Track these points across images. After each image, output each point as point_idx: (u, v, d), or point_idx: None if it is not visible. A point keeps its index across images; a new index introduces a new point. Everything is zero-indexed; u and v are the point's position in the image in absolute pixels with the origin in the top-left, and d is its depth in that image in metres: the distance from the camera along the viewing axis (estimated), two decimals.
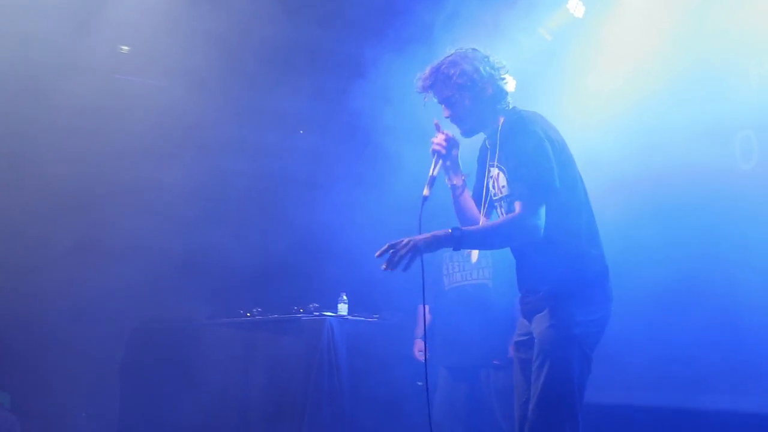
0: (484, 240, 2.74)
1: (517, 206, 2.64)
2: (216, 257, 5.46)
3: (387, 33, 5.00)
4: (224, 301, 5.48)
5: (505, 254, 4.49)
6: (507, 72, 2.86)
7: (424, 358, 4.45)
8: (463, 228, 2.66)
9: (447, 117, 2.85)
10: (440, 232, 2.63)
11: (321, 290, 5.30)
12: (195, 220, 5.46)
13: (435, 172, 2.83)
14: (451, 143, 2.87)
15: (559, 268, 2.72)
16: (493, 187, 2.87)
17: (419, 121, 3.38)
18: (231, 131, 5.57)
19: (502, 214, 2.87)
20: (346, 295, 5.09)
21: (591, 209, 2.83)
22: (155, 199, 5.33)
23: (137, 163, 5.37)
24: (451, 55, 2.83)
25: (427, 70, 2.82)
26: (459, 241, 2.62)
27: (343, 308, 5.06)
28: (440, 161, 2.85)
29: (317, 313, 4.94)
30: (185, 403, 5.06)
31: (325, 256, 5.50)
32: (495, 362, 4.41)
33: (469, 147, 3.06)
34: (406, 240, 2.59)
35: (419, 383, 4.89)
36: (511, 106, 2.87)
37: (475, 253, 4.55)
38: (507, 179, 2.78)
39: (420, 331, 4.79)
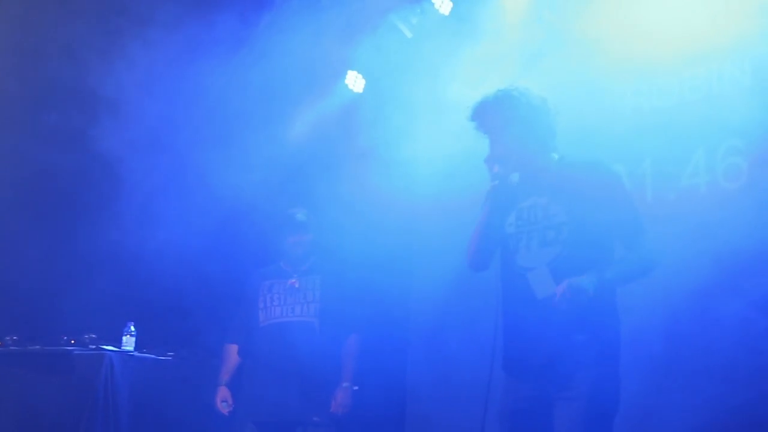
0: (628, 279, 2.86)
1: (635, 243, 2.81)
2: None
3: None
4: None
5: (336, 288, 4.32)
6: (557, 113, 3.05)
7: (227, 409, 4.31)
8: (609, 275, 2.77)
9: (494, 151, 2.98)
10: (593, 277, 2.70)
11: (101, 318, 4.85)
12: None
13: (496, 170, 2.98)
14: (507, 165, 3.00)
15: (604, 319, 2.79)
16: (528, 217, 2.96)
17: None
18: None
19: (537, 243, 2.90)
20: (134, 326, 4.71)
21: None
22: None
23: None
24: (504, 88, 3.00)
25: (479, 101, 2.99)
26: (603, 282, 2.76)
27: (128, 342, 4.68)
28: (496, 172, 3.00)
29: (94, 346, 4.56)
30: None
31: (111, 275, 5.00)
32: (315, 419, 4.21)
33: None
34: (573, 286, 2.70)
35: None
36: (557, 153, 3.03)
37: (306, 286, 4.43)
38: (565, 209, 2.87)
39: (225, 376, 4.47)
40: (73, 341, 4.62)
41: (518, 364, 2.87)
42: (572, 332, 2.72)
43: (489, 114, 2.95)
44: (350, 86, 5.26)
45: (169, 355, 4.88)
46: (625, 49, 4.23)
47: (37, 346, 4.66)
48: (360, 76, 5.25)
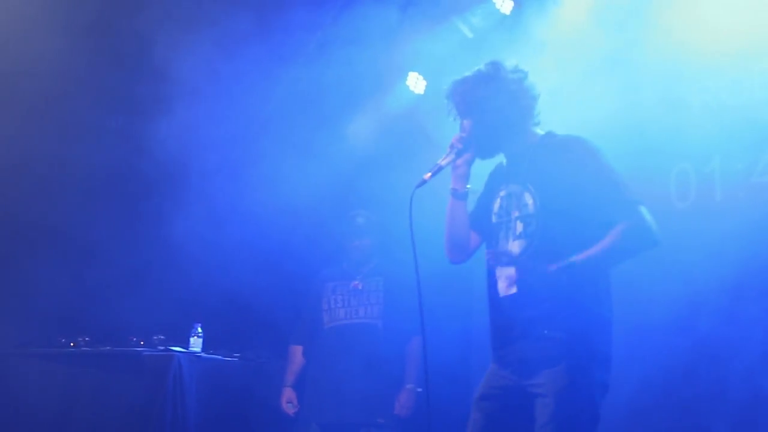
0: (603, 261, 2.67)
1: (623, 219, 2.62)
2: (27, 270, 4.87)
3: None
4: (41, 326, 4.90)
5: (399, 290, 4.31)
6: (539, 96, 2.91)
7: (292, 410, 4.44)
8: (576, 259, 2.61)
9: (467, 132, 2.87)
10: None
11: (169, 319, 4.84)
12: None
13: (444, 163, 2.88)
14: (469, 146, 2.89)
15: (580, 313, 2.64)
16: (506, 207, 2.85)
17: None
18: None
19: (511, 236, 2.80)
20: (201, 328, 4.70)
21: None
22: None
23: None
24: (485, 66, 2.89)
25: (457, 79, 2.89)
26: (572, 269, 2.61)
27: (196, 343, 4.67)
28: (453, 157, 2.89)
29: (163, 348, 4.57)
30: None
31: (177, 276, 4.99)
32: (379, 420, 4.28)
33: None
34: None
35: None
36: (541, 128, 2.92)
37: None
38: (535, 198, 2.76)
39: (291, 377, 4.57)
40: (142, 342, 4.66)
41: (494, 353, 2.83)
42: (538, 326, 2.65)
43: (460, 95, 2.84)
44: (411, 87, 5.17)
45: (235, 356, 4.88)
46: (692, 45, 4.06)
47: (108, 347, 4.70)
48: (421, 77, 5.14)
